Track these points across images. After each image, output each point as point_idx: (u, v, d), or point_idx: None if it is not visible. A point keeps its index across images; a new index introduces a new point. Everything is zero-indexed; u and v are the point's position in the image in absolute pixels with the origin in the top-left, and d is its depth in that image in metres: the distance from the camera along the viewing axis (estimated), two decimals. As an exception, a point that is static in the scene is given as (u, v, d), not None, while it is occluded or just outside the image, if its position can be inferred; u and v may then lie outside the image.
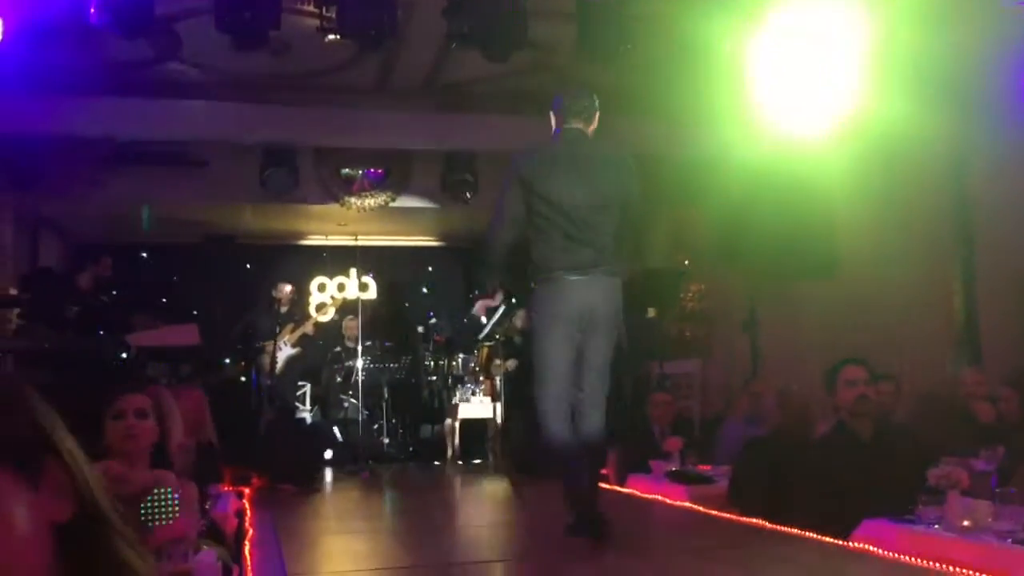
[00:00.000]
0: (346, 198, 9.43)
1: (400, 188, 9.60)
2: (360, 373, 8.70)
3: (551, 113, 4.43)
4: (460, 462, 8.33)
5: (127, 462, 2.85)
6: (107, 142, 8.48)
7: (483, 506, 5.79)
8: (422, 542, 4.31)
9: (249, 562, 3.59)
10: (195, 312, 9.71)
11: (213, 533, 3.21)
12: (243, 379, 8.99)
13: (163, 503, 2.81)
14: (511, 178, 4.15)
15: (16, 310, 7.55)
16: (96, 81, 7.55)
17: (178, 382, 7.78)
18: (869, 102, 6.17)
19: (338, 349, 9.32)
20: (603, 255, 4.10)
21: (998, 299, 6.60)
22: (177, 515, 2.69)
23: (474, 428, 8.69)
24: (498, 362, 8.62)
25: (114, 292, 8.92)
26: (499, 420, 8.25)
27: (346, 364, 9.06)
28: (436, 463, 8.57)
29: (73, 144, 8.31)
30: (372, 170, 9.57)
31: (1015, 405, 5.20)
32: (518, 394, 8.31)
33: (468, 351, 9.36)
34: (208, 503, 4.53)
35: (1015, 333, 6.41)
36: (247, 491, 6.15)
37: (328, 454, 8.27)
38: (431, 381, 9.73)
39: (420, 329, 9.92)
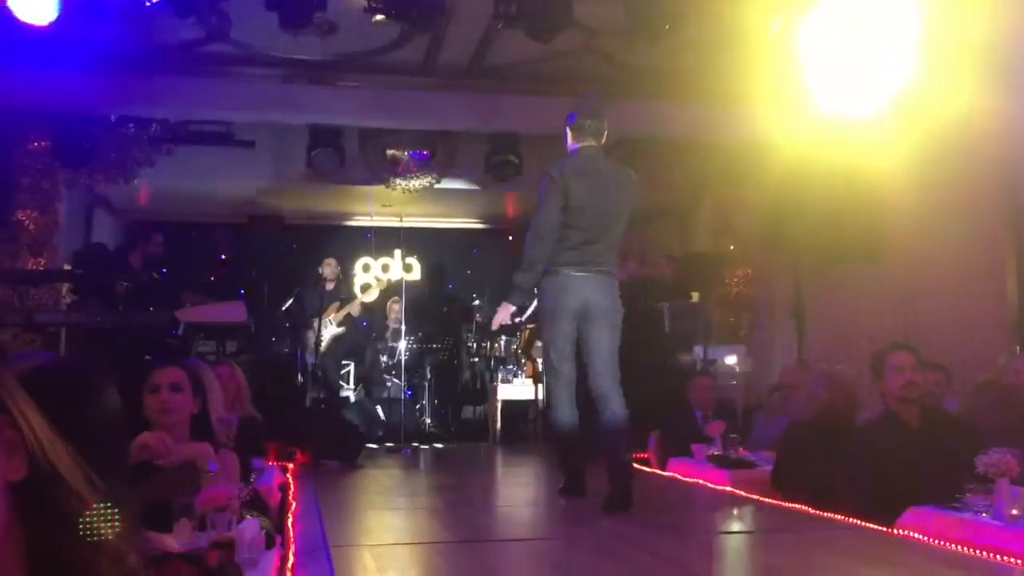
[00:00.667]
0: (391, 179, 9.47)
1: (445, 169, 9.62)
2: (403, 354, 8.76)
3: (567, 128, 4.86)
4: (501, 443, 8.35)
5: (165, 434, 2.90)
6: (158, 121, 8.62)
7: (522, 486, 5.81)
8: (460, 519, 4.34)
9: (291, 533, 3.65)
10: (242, 291, 9.86)
11: (257, 504, 3.26)
12: (289, 357, 9.09)
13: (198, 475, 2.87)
14: (554, 188, 4.56)
15: (68, 285, 7.73)
16: (147, 61, 7.65)
17: (224, 359, 7.91)
18: (920, 84, 6.04)
19: (382, 329, 9.39)
20: (608, 256, 4.68)
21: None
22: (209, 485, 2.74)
23: (516, 410, 8.71)
24: (539, 344, 8.63)
25: (163, 270, 9.09)
26: (540, 402, 8.26)
27: (389, 344, 9.13)
28: (477, 444, 8.61)
29: (125, 123, 8.45)
30: (417, 151, 9.60)
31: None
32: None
33: (511, 333, 9.38)
34: (253, 476, 4.61)
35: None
36: (291, 466, 6.24)
37: (371, 433, 8.34)
38: (473, 363, 9.76)
39: (463, 310, 9.95)
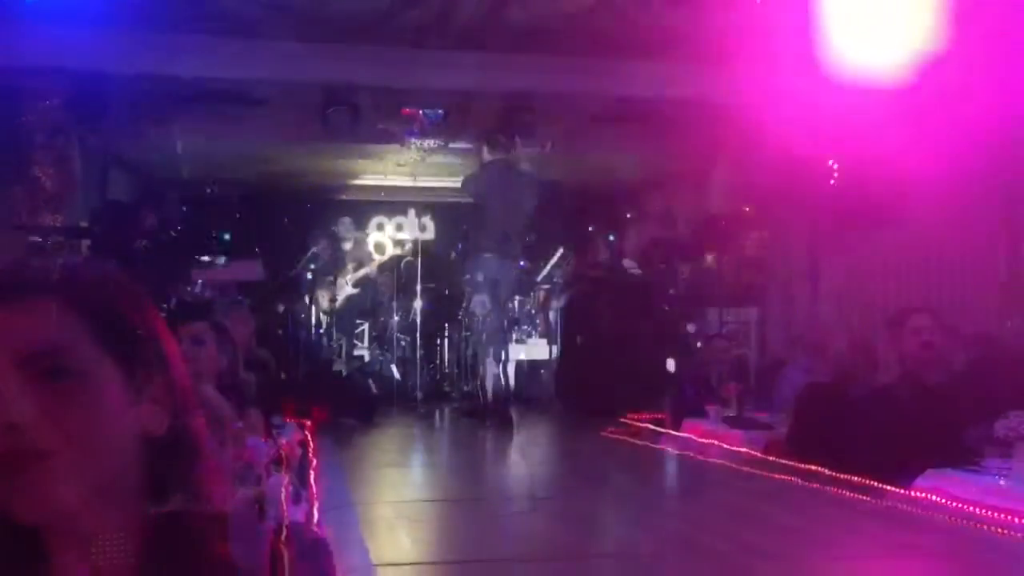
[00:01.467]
0: (406, 139, 9.43)
1: (459, 130, 9.56)
2: (417, 314, 8.78)
3: None
4: (516, 403, 8.39)
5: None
6: (171, 79, 8.57)
7: (540, 446, 5.86)
8: (481, 477, 4.40)
9: (315, 489, 3.70)
10: (257, 249, 9.89)
11: (282, 461, 3.30)
12: (303, 315, 9.13)
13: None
14: None
15: (87, 242, 7.76)
16: (160, 17, 7.61)
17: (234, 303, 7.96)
18: (938, 44, 5.97)
19: (396, 287, 9.40)
20: None
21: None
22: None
23: (530, 369, 8.75)
24: (555, 303, 8.67)
25: (179, 228, 9.12)
26: (554, 361, 8.31)
27: (403, 304, 9.15)
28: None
29: (138, 81, 8.41)
30: (432, 111, 9.54)
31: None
32: (571, 336, 8.36)
33: (525, 294, 9.40)
34: (275, 432, 4.66)
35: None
36: (308, 423, 6.29)
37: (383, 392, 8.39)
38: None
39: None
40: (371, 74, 8.68)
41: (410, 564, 2.55)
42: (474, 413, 6.43)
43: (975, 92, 6.18)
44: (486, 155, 6.29)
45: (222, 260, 7.20)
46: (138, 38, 7.65)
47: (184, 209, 8.62)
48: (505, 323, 6.43)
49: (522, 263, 9.73)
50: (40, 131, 8.40)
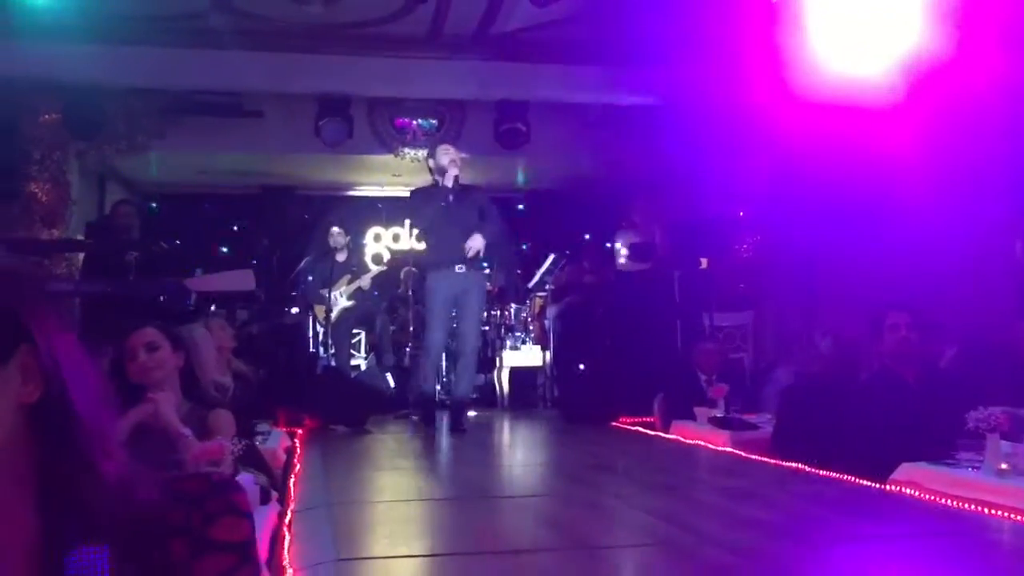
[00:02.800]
0: (400, 148, 9.49)
1: (453, 139, 9.60)
2: (413, 322, 8.79)
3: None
4: (509, 409, 8.41)
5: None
6: (166, 93, 8.66)
7: (524, 449, 5.87)
8: (460, 478, 4.41)
9: (293, 492, 3.72)
10: (254, 261, 9.94)
11: (254, 460, 3.32)
12: (299, 325, 9.17)
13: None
14: None
15: (83, 256, 7.82)
16: (153, 32, 7.69)
17: (236, 328, 7.99)
18: (930, 42, 5.98)
19: (394, 298, 9.43)
20: None
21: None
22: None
23: (525, 376, 8.76)
24: (552, 310, 8.69)
25: (177, 242, 9.17)
26: (548, 368, 8.33)
27: (400, 313, 9.17)
28: (487, 410, 8.67)
29: (133, 94, 8.49)
30: (425, 121, 9.61)
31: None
32: (566, 343, 8.37)
33: (520, 301, 9.43)
34: (258, 438, 4.68)
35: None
36: (299, 432, 6.32)
37: (380, 400, 8.41)
38: (484, 331, 9.80)
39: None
40: (363, 85, 8.76)
41: (375, 559, 2.56)
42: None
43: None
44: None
45: (198, 272, 7.20)
46: (131, 51, 7.74)
47: (180, 222, 8.62)
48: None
49: (518, 271, 9.80)
50: (36, 145, 8.49)
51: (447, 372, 8.43)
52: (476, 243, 6.28)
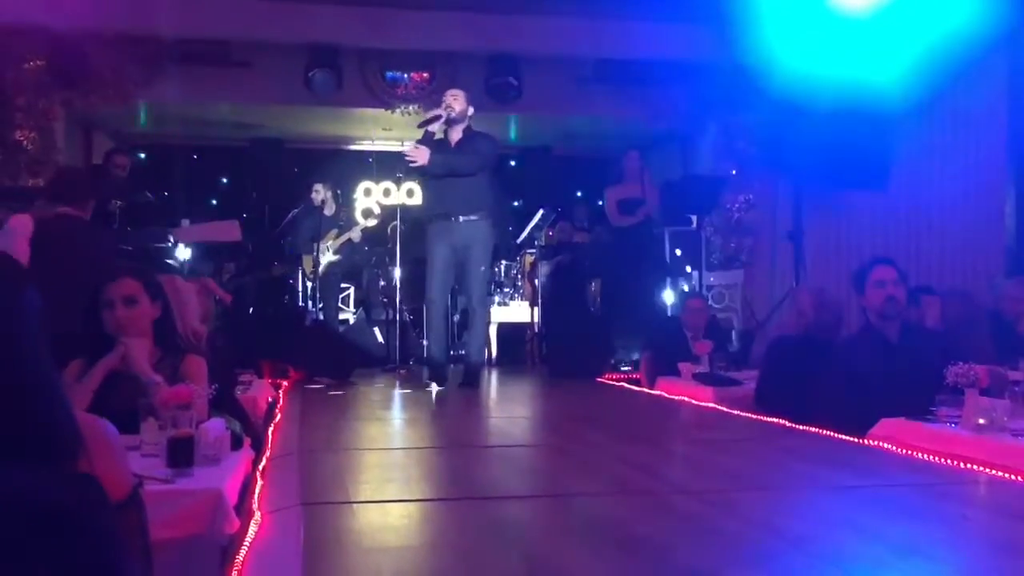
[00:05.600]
0: (392, 102, 9.37)
1: (445, 92, 9.48)
2: (397, 279, 8.74)
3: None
4: (497, 365, 8.40)
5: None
6: (153, 41, 8.51)
7: (511, 403, 5.87)
8: (439, 429, 4.41)
9: (270, 440, 3.71)
10: (244, 214, 9.87)
11: (228, 407, 3.29)
12: (287, 278, 9.13)
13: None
14: None
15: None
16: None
17: (223, 280, 7.96)
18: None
19: (382, 253, 9.37)
20: None
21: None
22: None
23: (513, 332, 8.75)
24: (543, 264, 8.66)
25: (165, 193, 9.09)
26: (537, 325, 8.31)
27: (389, 268, 9.12)
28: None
29: (119, 42, 8.35)
30: (417, 73, 9.47)
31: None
32: (555, 300, 8.35)
33: (510, 258, 9.39)
34: (240, 387, 4.67)
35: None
36: (284, 383, 6.31)
37: (368, 354, 8.39)
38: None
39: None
40: (355, 35, 8.62)
41: (341, 503, 2.54)
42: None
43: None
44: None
45: (185, 223, 7.13)
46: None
47: (167, 173, 8.53)
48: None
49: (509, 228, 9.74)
50: (21, 92, 8.36)
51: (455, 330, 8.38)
52: (416, 155, 5.95)
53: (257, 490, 2.71)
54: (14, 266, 1.44)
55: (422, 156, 5.95)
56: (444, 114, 6.10)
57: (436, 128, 6.13)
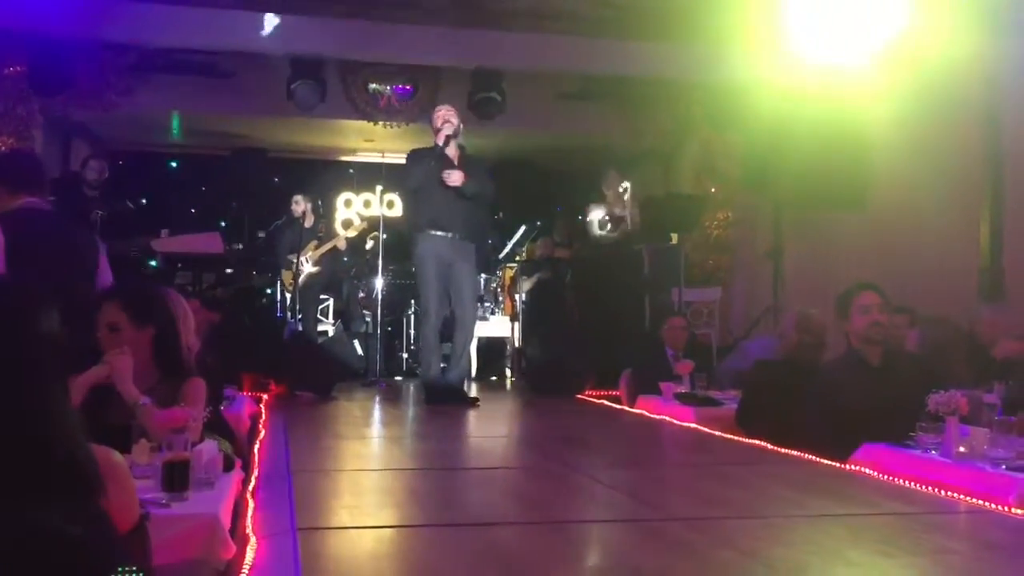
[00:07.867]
0: (374, 115, 9.39)
1: (428, 106, 9.51)
2: (382, 289, 8.76)
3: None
4: (477, 380, 8.42)
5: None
6: (136, 49, 8.48)
7: (493, 421, 5.88)
8: (424, 449, 4.42)
9: (257, 458, 3.70)
10: (223, 224, 9.82)
11: (219, 428, 3.29)
12: (268, 291, 9.10)
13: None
14: None
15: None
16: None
17: (202, 290, 7.91)
18: (903, 28, 6.01)
19: (362, 265, 9.36)
20: None
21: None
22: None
23: (493, 347, 8.78)
24: (524, 280, 8.69)
25: (144, 201, 9.03)
26: (516, 340, 8.34)
27: (368, 280, 9.12)
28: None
29: (102, 49, 8.31)
30: (400, 87, 9.50)
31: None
32: (535, 315, 8.39)
33: (490, 272, 9.41)
34: (223, 404, 4.65)
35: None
36: (265, 397, 6.29)
37: (347, 366, 8.38)
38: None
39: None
40: (337, 47, 8.62)
41: (337, 528, 2.56)
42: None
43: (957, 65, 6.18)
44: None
45: (165, 233, 7.10)
46: (100, 5, 7.55)
47: (149, 182, 8.47)
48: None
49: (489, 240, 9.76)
50: (1, 98, 8.29)
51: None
52: (455, 177, 6.10)
53: (250, 513, 2.72)
54: (28, 292, 1.45)
55: (457, 178, 6.13)
56: (452, 132, 6.23)
57: (442, 142, 6.23)
